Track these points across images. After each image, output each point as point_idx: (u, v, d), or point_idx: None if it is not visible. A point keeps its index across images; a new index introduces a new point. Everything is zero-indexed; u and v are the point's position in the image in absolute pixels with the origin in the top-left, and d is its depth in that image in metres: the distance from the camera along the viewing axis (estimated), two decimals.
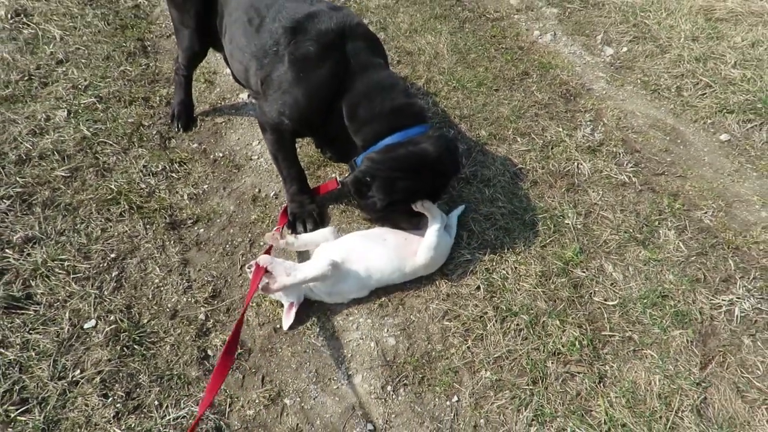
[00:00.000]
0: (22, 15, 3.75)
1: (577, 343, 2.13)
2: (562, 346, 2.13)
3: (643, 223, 2.62)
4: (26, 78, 3.25)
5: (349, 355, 2.14)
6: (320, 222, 2.55)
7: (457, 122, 3.12)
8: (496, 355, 2.11)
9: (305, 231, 2.48)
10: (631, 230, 2.58)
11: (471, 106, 3.24)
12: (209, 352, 2.12)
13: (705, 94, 3.44)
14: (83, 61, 3.42)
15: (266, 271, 2.11)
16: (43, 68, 3.33)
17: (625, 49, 3.84)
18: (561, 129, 3.11)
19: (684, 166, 2.97)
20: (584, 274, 2.39)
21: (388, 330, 2.21)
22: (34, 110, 3.02)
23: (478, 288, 2.32)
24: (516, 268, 2.39)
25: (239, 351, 2.13)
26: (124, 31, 3.73)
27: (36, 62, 3.36)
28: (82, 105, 3.09)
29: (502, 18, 4.10)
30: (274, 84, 2.26)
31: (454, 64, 3.56)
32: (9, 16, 3.70)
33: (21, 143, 2.81)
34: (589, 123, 3.19)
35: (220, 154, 2.94)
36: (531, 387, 2.02)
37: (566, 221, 2.60)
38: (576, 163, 2.90)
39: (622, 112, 3.30)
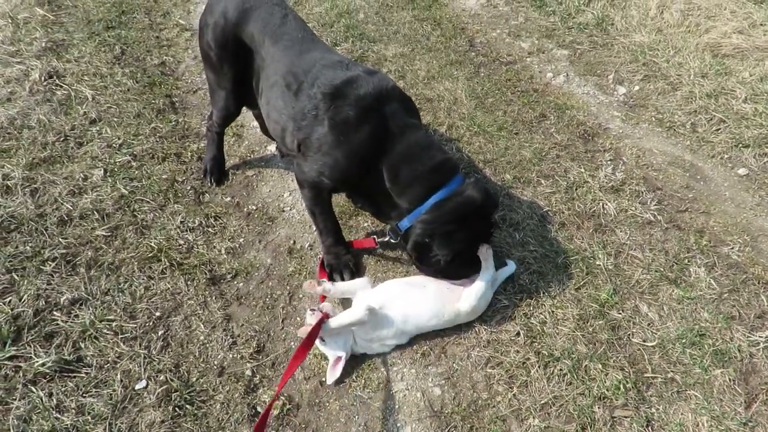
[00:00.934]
0: (55, 77, 3.89)
1: (621, 386, 2.16)
2: (607, 390, 2.15)
3: (673, 261, 2.67)
4: (62, 139, 3.36)
5: (397, 406, 2.17)
6: (356, 272, 2.61)
7: (481, 167, 3.20)
8: (542, 402, 2.14)
9: (341, 279, 2.54)
10: (661, 269, 2.63)
11: (493, 150, 3.33)
12: (258, 409, 2.16)
13: (719, 129, 3.53)
14: (115, 119, 3.54)
15: (327, 316, 2.18)
16: (78, 128, 3.44)
17: (637, 87, 3.96)
18: (583, 170, 3.19)
19: (706, 201, 3.04)
20: (620, 315, 2.43)
21: (432, 379, 2.24)
22: (72, 170, 3.12)
23: (518, 334, 2.36)
24: (553, 312, 2.44)
25: (288, 406, 2.16)
26: (152, 88, 3.86)
27: (70, 123, 3.47)
28: (117, 163, 3.18)
29: (515, 61, 4.23)
30: (313, 146, 2.35)
31: (473, 109, 3.67)
32: (42, 78, 3.84)
33: (62, 204, 2.90)
34: (609, 162, 3.27)
35: (254, 207, 3.02)
36: None
37: (597, 262, 2.65)
38: (601, 204, 2.97)
39: (641, 150, 3.38)
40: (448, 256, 2.28)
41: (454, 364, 2.29)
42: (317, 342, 2.23)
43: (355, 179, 2.40)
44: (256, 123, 3.52)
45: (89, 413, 2.06)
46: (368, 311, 2.21)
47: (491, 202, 2.40)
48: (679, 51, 4.24)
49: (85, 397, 2.11)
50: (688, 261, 2.67)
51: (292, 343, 2.39)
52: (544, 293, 2.51)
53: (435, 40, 4.47)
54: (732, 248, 2.74)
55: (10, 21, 4.44)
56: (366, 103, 2.30)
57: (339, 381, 2.22)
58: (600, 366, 2.23)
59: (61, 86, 3.80)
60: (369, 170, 2.34)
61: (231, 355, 2.32)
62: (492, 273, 2.37)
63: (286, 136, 2.55)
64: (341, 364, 2.22)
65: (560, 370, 2.23)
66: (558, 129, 3.53)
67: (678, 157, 3.36)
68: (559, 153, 3.33)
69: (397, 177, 2.34)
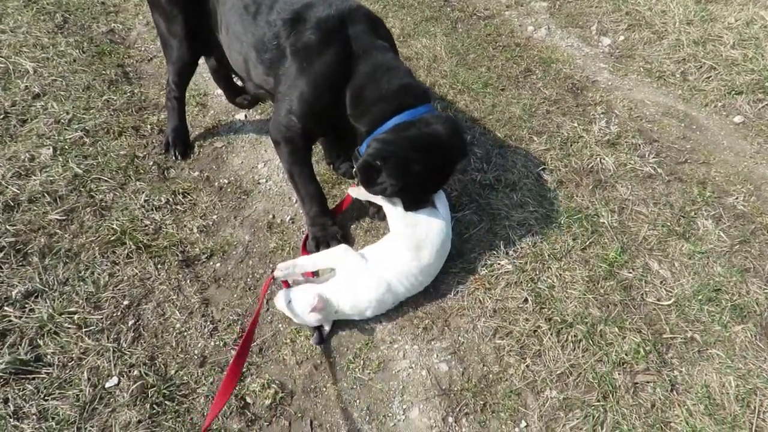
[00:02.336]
0: None
1: (640, 349, 2.01)
2: (626, 355, 2.00)
3: (679, 215, 2.53)
4: (1, 116, 2.99)
5: (401, 387, 1.97)
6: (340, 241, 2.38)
7: (470, 125, 2.99)
8: (558, 372, 1.97)
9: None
10: (668, 224, 2.48)
11: (480, 108, 3.12)
12: (248, 399, 1.93)
13: (710, 77, 3.40)
14: (62, 93, 3.17)
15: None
16: (20, 104, 3.07)
17: (621, 37, 3.78)
18: (576, 124, 3.02)
19: (704, 152, 2.90)
20: (631, 274, 2.28)
21: (437, 355, 2.05)
22: (16, 150, 2.77)
23: (526, 300, 2.18)
24: (561, 275, 2.27)
25: (280, 394, 1.94)
26: (101, 58, 3.49)
27: (11, 98, 3.09)
28: (67, 140, 2.85)
29: (493, 15, 4.00)
30: (281, 82, 2.17)
31: (455, 66, 3.44)
32: None
33: (6, 187, 2.57)
34: (602, 116, 3.10)
35: (226, 181, 2.75)
36: (602, 403, 1.88)
37: (601, 220, 2.49)
38: (598, 159, 2.80)
39: (632, 102, 3.22)
40: (395, 187, 2.05)
41: (460, 337, 2.10)
42: (283, 305, 2.05)
43: (326, 113, 2.18)
44: (220, 91, 3.22)
45: (53, 418, 1.80)
46: (345, 250, 2.12)
47: (460, 144, 2.16)
48: None
49: (47, 400, 1.85)
50: (695, 214, 2.54)
51: (280, 325, 2.16)
52: (549, 255, 2.33)
53: None
54: (737, 198, 2.62)
55: None
56: (329, 25, 2.10)
57: (322, 343, 2.08)
58: (616, 329, 2.08)
59: None
60: (339, 102, 2.13)
61: (212, 343, 2.08)
62: (446, 219, 2.20)
63: (250, 68, 2.34)
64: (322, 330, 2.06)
65: (574, 336, 2.06)
66: (545, 84, 3.34)
67: (671, 107, 3.21)
68: (549, 108, 3.14)
69: (359, 98, 2.11)
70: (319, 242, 2.35)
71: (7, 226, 2.40)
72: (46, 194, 2.56)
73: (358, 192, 2.27)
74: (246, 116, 3.14)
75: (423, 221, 2.13)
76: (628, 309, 2.16)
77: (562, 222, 2.47)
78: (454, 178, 2.67)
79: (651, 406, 1.88)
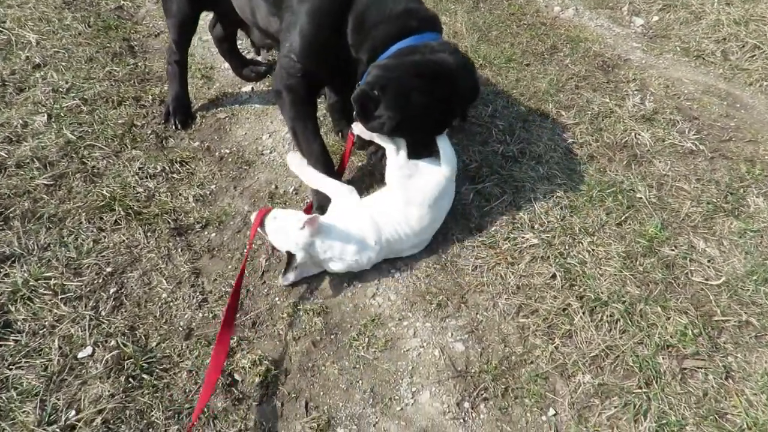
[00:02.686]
0: None
1: (688, 332, 1.74)
2: (671, 337, 1.74)
3: (726, 191, 2.26)
4: None
5: (410, 367, 1.73)
6: None
7: (492, 99, 2.76)
8: (592, 354, 1.71)
9: None
10: (714, 200, 2.22)
11: (503, 82, 2.90)
12: (236, 377, 1.70)
13: (754, 56, 3.13)
14: (63, 64, 3.03)
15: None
16: (19, 73, 2.93)
17: (656, 18, 3.54)
18: (607, 99, 2.77)
19: (751, 130, 2.63)
20: (674, 252, 2.02)
21: (452, 334, 1.81)
22: (9, 117, 2.62)
23: (554, 276, 1.93)
24: (593, 250, 2.01)
25: (273, 372, 1.71)
26: (107, 32, 3.36)
27: (9, 68, 2.96)
28: (64, 108, 2.69)
29: None
30: (284, 19, 1.97)
31: (476, 42, 3.23)
32: None
33: None
34: (636, 92, 2.85)
35: (227, 151, 2.56)
36: (645, 390, 1.62)
37: (638, 195, 2.24)
38: (633, 134, 2.55)
39: (669, 80, 2.96)
40: (393, 120, 1.81)
41: (478, 315, 1.85)
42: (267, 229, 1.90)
43: (328, 51, 1.97)
44: (227, 65, 3.04)
45: (15, 388, 1.59)
46: (351, 191, 1.99)
47: (470, 78, 1.92)
48: None
49: (11, 369, 1.65)
50: (744, 191, 2.27)
51: (277, 299, 1.94)
52: (579, 230, 2.08)
53: None
54: None
55: None
56: None
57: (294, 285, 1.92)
58: (658, 309, 1.81)
59: (1, 31, 3.28)
60: (340, 34, 1.92)
61: (201, 315, 1.87)
62: (453, 164, 1.98)
63: (254, 8, 2.16)
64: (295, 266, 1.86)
65: (610, 315, 1.80)
66: (573, 60, 3.10)
67: (711, 86, 2.95)
68: (578, 84, 2.90)
69: (361, 24, 1.88)
70: (322, 208, 2.13)
71: None
72: (35, 159, 2.39)
73: (359, 129, 2.03)
74: (252, 89, 2.95)
75: (423, 171, 1.92)
76: (672, 288, 1.89)
77: (594, 195, 2.22)
78: (474, 148, 2.44)
79: (703, 394, 1.60)
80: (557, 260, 1.97)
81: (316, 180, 2.06)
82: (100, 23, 3.44)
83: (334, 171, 2.14)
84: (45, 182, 2.30)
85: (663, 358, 1.69)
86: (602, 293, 1.86)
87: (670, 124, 2.63)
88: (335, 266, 1.89)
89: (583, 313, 1.81)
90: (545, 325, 1.80)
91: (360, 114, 1.87)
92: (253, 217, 1.96)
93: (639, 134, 2.55)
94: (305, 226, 1.78)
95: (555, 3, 3.72)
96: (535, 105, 2.74)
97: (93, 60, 3.09)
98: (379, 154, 2.13)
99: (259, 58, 3.08)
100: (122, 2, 3.74)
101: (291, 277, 1.89)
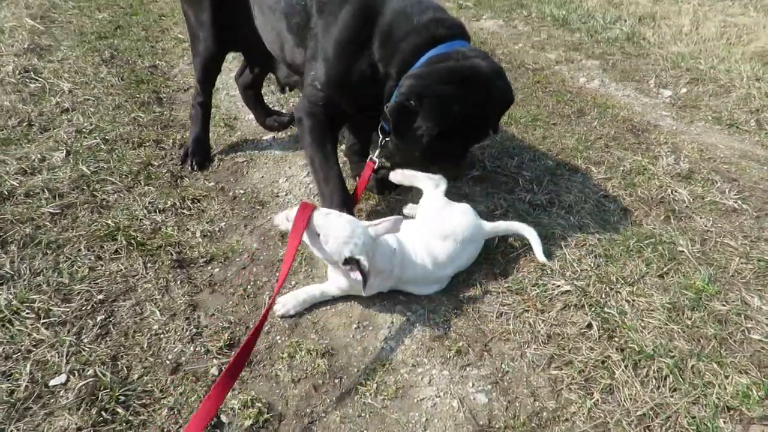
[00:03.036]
0: (31, 72, 3.49)
1: (752, 393, 1.48)
2: (732, 398, 1.48)
3: None
4: (25, 123, 2.87)
5: (424, 419, 1.49)
6: None
7: (518, 152, 2.67)
8: (638, 413, 1.46)
9: None
10: (766, 258, 2.01)
11: (530, 138, 2.82)
12: (223, 418, 1.48)
13: None
14: (91, 109, 3.07)
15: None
16: (46, 115, 2.97)
17: (684, 90, 3.50)
18: (639, 158, 2.66)
19: None
20: (725, 307, 1.79)
21: (473, 384, 1.57)
22: (28, 152, 2.61)
23: (590, 326, 1.71)
24: (633, 300, 1.80)
25: (266, 415, 1.49)
26: (138, 85, 3.44)
27: (39, 110, 3.01)
28: (84, 146, 2.67)
29: (543, 68, 3.82)
30: (309, 48, 1.97)
31: None
32: (17, 72, 3.43)
33: (6, 181, 2.36)
34: (669, 154, 2.73)
35: (241, 192, 2.47)
36: None
37: (679, 248, 2.04)
38: (669, 190, 2.40)
39: (702, 145, 2.85)
40: (433, 130, 1.71)
41: (503, 365, 1.63)
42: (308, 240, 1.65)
43: (354, 78, 1.91)
44: (250, 115, 3.05)
45: None
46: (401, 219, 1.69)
47: (503, 85, 1.85)
48: (724, 60, 3.84)
49: None
50: None
51: (278, 337, 1.74)
52: (617, 279, 1.88)
53: None
54: None
55: None
56: None
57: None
58: (714, 367, 1.57)
59: (37, 80, 3.39)
60: (367, 58, 1.88)
61: (192, 349, 1.67)
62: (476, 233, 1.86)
63: (283, 43, 2.15)
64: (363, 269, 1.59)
65: (658, 370, 1.56)
66: (601, 123, 3.03)
67: (748, 151, 2.83)
68: (608, 143, 2.81)
69: (388, 37, 1.82)
70: None
71: None
72: (46, 190, 2.34)
73: (399, 175, 1.95)
74: (273, 137, 2.92)
75: (457, 211, 1.80)
76: (727, 345, 1.65)
77: (630, 246, 2.03)
78: (500, 196, 2.31)
79: None
80: (593, 309, 1.76)
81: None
82: (133, 77, 3.54)
83: (350, 201, 2.02)
84: (51, 210, 2.22)
85: (725, 421, 1.42)
86: (647, 346, 1.62)
87: (708, 183, 2.48)
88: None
89: (626, 366, 1.57)
90: (581, 379, 1.56)
91: (396, 128, 1.78)
92: (289, 215, 1.65)
93: (676, 191, 2.40)
94: (381, 224, 1.61)
95: (580, 75, 3.74)
96: (564, 159, 2.63)
97: (120, 107, 3.14)
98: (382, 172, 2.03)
99: (284, 111, 3.09)
100: (157, 62, 3.88)
101: (373, 284, 1.69)
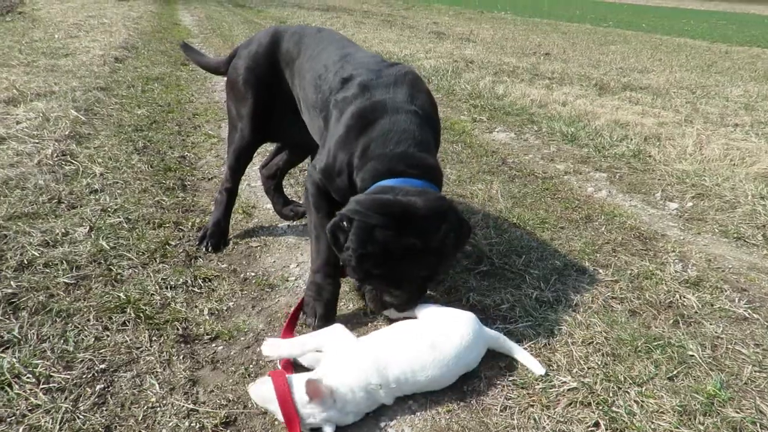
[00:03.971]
0: (68, 155, 3.72)
1: None
2: None
3: None
4: (55, 200, 3.03)
5: None
6: (329, 318, 2.09)
7: (525, 251, 2.72)
8: None
9: (314, 318, 2.08)
10: None
11: (537, 240, 2.88)
12: None
13: None
14: (118, 191, 3.24)
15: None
16: (75, 194, 3.13)
17: (690, 204, 3.59)
18: (647, 263, 2.69)
19: None
20: (739, 414, 1.73)
21: None
22: (53, 226, 2.72)
23: (597, 424, 1.65)
24: (642, 401, 1.75)
25: None
26: (166, 172, 3.63)
27: (69, 189, 3.17)
28: (107, 224, 2.79)
29: (552, 177, 3.98)
30: (323, 135, 2.21)
31: (510, 206, 3.31)
32: (55, 155, 3.66)
33: (28, 251, 2.45)
34: (677, 261, 2.76)
35: (252, 274, 2.52)
36: None
37: (689, 352, 2.01)
38: (677, 295, 2.40)
39: (710, 255, 2.88)
40: (355, 252, 1.79)
41: None
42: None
43: (339, 171, 2.06)
44: (268, 205, 3.18)
45: None
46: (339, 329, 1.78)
47: (447, 234, 1.83)
48: (728, 179, 3.97)
49: None
50: None
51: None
52: (625, 378, 1.84)
53: (466, 156, 4.31)
54: None
55: (41, 115, 4.47)
56: (370, 83, 2.08)
57: None
58: None
59: (72, 162, 3.61)
60: (345, 165, 2.05)
61: (188, 424, 1.64)
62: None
63: (317, 128, 2.37)
64: None
65: None
66: (609, 229, 3.10)
67: (757, 264, 2.84)
68: (615, 248, 2.85)
69: (364, 153, 1.96)
70: (305, 305, 2.14)
71: (12, 282, 2.22)
72: (64, 261, 2.41)
73: (395, 315, 2.03)
74: (289, 225, 3.02)
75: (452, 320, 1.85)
76: None
77: (639, 346, 2.01)
78: (507, 291, 2.33)
79: None
80: (601, 407, 1.71)
81: (300, 347, 1.84)
82: (161, 165, 3.75)
83: (335, 268, 2.11)
84: (66, 281, 2.28)
85: None
86: None
87: (717, 290, 2.48)
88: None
89: None
90: None
91: (334, 244, 1.90)
92: (262, 390, 1.65)
93: (684, 296, 2.40)
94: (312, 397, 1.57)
95: (588, 185, 3.87)
96: (571, 260, 2.67)
97: (146, 191, 3.30)
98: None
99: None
100: (186, 153, 4.11)
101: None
